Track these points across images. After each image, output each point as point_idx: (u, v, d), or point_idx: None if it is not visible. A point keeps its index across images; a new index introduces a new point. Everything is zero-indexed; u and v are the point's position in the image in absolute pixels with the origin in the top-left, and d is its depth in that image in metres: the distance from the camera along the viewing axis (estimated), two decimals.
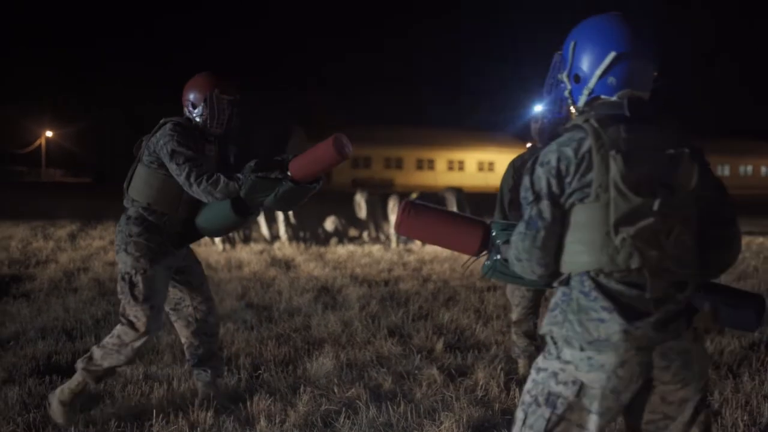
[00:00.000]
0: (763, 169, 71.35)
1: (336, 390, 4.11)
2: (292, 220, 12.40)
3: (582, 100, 2.07)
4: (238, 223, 3.68)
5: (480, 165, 62.49)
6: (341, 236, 12.70)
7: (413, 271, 9.38)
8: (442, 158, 61.86)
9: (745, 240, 13.99)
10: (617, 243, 1.89)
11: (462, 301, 7.03)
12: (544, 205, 1.96)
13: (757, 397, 4.05)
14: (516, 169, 4.57)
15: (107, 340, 3.62)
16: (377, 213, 12.88)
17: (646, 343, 1.90)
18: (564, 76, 2.11)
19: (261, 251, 11.21)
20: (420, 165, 61.38)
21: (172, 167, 3.56)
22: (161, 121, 3.74)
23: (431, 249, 11.84)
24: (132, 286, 3.60)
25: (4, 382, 4.18)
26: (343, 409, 3.81)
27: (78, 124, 58.95)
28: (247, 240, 12.24)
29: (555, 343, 1.98)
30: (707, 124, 61.29)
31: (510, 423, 3.61)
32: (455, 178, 59.07)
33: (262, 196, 3.51)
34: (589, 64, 2.04)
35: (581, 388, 1.92)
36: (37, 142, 62.55)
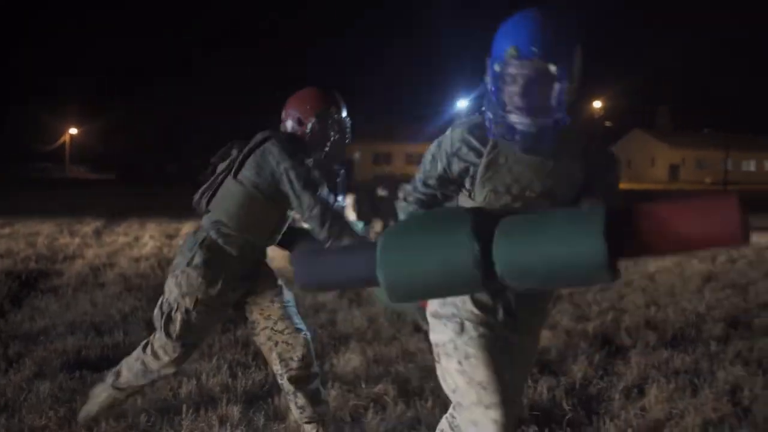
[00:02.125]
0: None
1: (363, 385, 4.12)
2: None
3: None
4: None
5: None
6: None
7: None
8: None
9: None
10: None
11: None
12: None
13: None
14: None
15: (134, 363, 3.37)
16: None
17: None
18: None
19: None
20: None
21: (302, 197, 3.13)
22: (261, 136, 3.28)
23: None
24: (169, 320, 3.22)
25: (36, 376, 4.23)
26: (371, 404, 3.83)
27: (102, 122, 59.61)
28: None
29: None
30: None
31: (538, 418, 3.62)
32: None
33: None
34: None
35: None
36: (62, 139, 63.33)
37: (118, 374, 3.44)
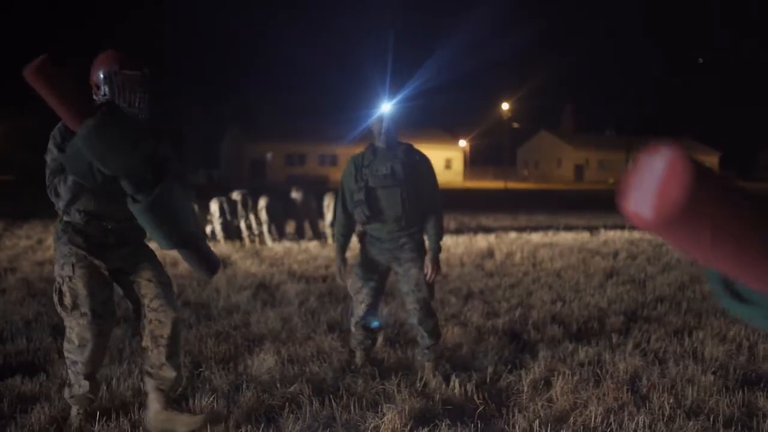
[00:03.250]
0: None
1: (278, 386, 4.12)
2: (228, 217, 12.28)
3: None
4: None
5: None
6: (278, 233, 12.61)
7: (350, 267, 9.39)
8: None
9: None
10: None
11: (398, 296, 7.09)
12: None
13: (682, 381, 4.24)
14: (358, 169, 4.52)
15: (68, 367, 3.54)
16: (312, 210, 12.86)
17: None
18: None
19: None
20: None
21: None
22: None
23: None
24: (60, 295, 3.42)
25: None
26: (287, 404, 3.83)
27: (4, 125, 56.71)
28: None
29: None
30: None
31: (450, 411, 3.71)
32: None
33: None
34: None
35: None
36: None
37: (69, 384, 3.55)
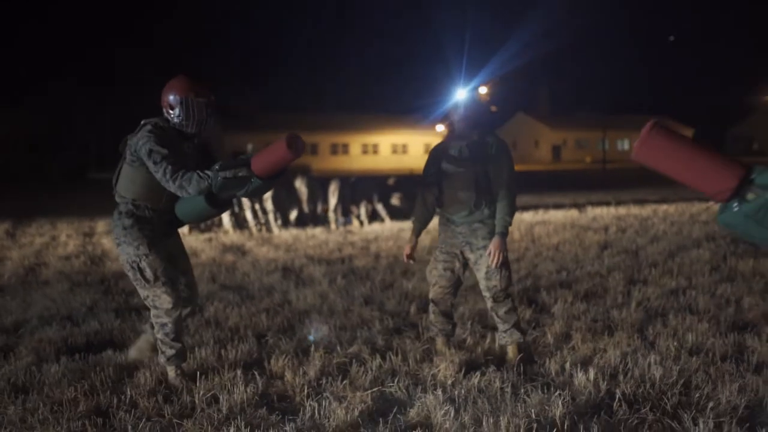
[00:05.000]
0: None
1: (339, 348, 4.76)
2: (236, 209, 12.85)
3: None
4: (214, 213, 4.17)
5: (394, 148, 63.52)
6: (284, 221, 13.19)
7: (362, 249, 10.05)
8: (356, 142, 62.55)
9: (652, 207, 15.32)
10: None
11: (417, 272, 7.75)
12: None
13: (682, 329, 4.95)
14: (436, 155, 4.65)
15: (157, 336, 4.23)
16: (317, 197, 13.44)
17: None
18: None
19: (209, 239, 11.63)
20: (335, 150, 61.89)
21: (150, 165, 3.94)
22: (142, 123, 4.13)
23: (371, 229, 12.57)
24: (141, 271, 4.09)
25: (37, 362, 4.62)
26: (352, 360, 4.48)
27: None
28: (190, 229, 12.60)
29: None
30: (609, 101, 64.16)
31: (492, 362, 4.38)
32: (370, 162, 59.99)
33: (234, 191, 3.90)
34: None
35: None
36: None
37: (162, 351, 4.22)
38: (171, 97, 4.08)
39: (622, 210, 14.70)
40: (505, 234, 4.43)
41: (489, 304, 4.56)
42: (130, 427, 3.52)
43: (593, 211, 14.59)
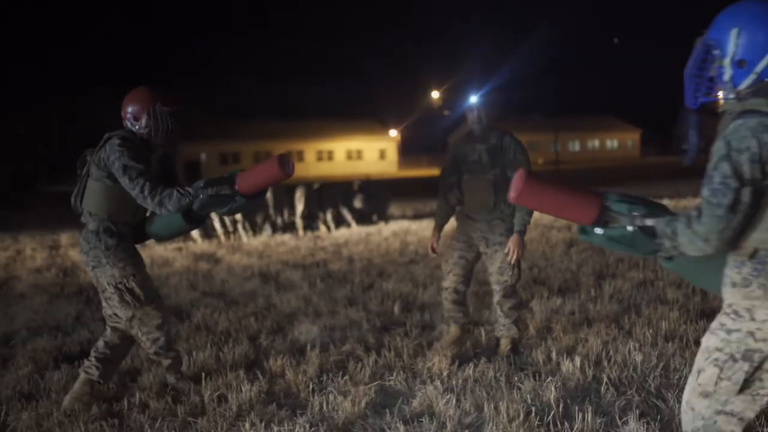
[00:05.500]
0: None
1: (333, 347, 4.94)
2: None
3: (745, 83, 2.32)
4: (189, 230, 4.13)
5: (348, 154, 63.74)
6: (252, 228, 13.27)
7: (333, 253, 10.23)
8: (311, 149, 62.56)
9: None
10: None
11: (393, 273, 7.97)
12: (747, 191, 2.17)
13: (655, 318, 5.26)
14: (456, 159, 4.88)
15: (149, 351, 4.12)
16: (283, 203, 13.54)
17: None
18: (726, 62, 2.34)
19: (179, 248, 11.66)
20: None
21: (125, 182, 3.78)
22: (105, 136, 3.93)
23: (340, 234, 12.74)
24: (130, 292, 3.92)
25: (37, 371, 4.69)
26: (348, 357, 4.67)
27: None
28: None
29: (747, 309, 2.28)
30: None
31: (482, 354, 4.62)
32: (325, 168, 60.09)
33: (215, 209, 3.88)
34: (757, 49, 2.29)
35: None
36: None
37: (159, 363, 4.25)
38: (136, 108, 3.94)
39: None
40: (523, 232, 4.65)
41: (497, 298, 4.79)
42: (147, 426, 3.65)
43: None
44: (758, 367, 2.27)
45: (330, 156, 63.24)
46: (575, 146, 73.20)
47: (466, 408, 3.69)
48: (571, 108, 71.05)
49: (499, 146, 4.74)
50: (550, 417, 3.51)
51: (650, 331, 4.92)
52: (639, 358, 4.30)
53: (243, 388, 4.09)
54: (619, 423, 3.42)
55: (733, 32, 2.31)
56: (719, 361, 2.32)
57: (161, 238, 4.34)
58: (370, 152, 63.90)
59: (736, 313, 2.31)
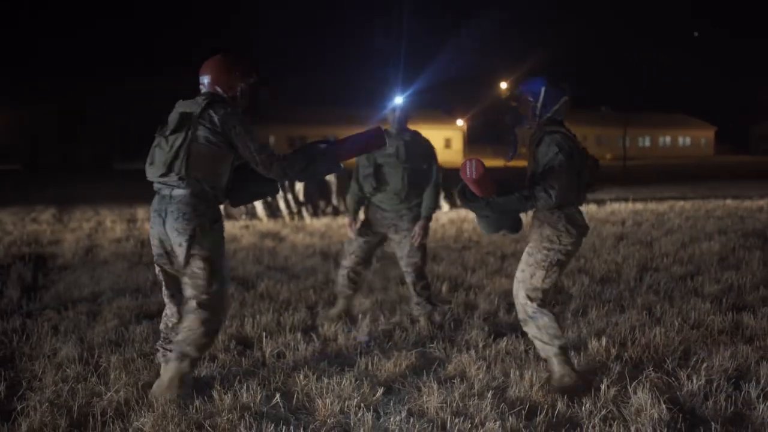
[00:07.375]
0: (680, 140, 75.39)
1: (382, 318, 5.44)
2: (269, 198, 13.57)
3: (545, 114, 4.11)
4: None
5: None
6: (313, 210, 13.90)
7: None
8: (316, 136, 62.62)
9: (669, 203, 15.83)
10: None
11: (445, 257, 8.42)
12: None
13: (686, 307, 5.57)
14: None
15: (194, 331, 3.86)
16: (314, 191, 14.17)
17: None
18: (537, 103, 4.08)
19: (245, 226, 12.36)
20: (293, 144, 62.55)
21: (248, 147, 3.70)
22: (205, 98, 3.75)
23: None
24: (221, 269, 3.81)
25: (125, 324, 5.34)
26: (395, 327, 5.17)
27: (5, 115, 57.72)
28: (228, 218, 13.33)
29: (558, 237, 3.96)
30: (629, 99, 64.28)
31: (513, 331, 5.04)
32: None
33: (316, 175, 3.99)
34: (552, 99, 4.10)
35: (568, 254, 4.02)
36: None
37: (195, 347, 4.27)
38: (239, 80, 3.87)
39: (639, 205, 15.25)
40: (429, 218, 5.35)
41: (409, 279, 5.44)
42: (216, 374, 4.23)
43: (611, 206, 15.15)
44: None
45: None
46: (645, 142, 71.81)
47: (494, 374, 4.14)
48: (643, 103, 69.62)
49: (414, 143, 5.31)
50: None
51: (679, 319, 5.25)
52: (662, 341, 4.65)
53: (299, 347, 4.63)
54: (631, 393, 3.81)
55: None
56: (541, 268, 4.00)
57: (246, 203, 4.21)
58: (435, 141, 61.01)
59: (549, 239, 3.95)
